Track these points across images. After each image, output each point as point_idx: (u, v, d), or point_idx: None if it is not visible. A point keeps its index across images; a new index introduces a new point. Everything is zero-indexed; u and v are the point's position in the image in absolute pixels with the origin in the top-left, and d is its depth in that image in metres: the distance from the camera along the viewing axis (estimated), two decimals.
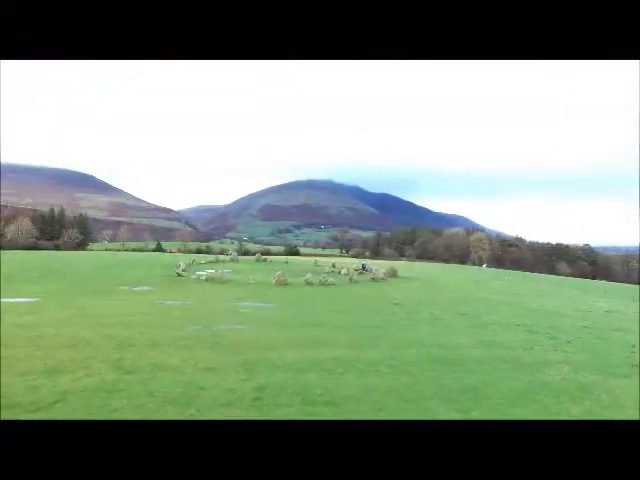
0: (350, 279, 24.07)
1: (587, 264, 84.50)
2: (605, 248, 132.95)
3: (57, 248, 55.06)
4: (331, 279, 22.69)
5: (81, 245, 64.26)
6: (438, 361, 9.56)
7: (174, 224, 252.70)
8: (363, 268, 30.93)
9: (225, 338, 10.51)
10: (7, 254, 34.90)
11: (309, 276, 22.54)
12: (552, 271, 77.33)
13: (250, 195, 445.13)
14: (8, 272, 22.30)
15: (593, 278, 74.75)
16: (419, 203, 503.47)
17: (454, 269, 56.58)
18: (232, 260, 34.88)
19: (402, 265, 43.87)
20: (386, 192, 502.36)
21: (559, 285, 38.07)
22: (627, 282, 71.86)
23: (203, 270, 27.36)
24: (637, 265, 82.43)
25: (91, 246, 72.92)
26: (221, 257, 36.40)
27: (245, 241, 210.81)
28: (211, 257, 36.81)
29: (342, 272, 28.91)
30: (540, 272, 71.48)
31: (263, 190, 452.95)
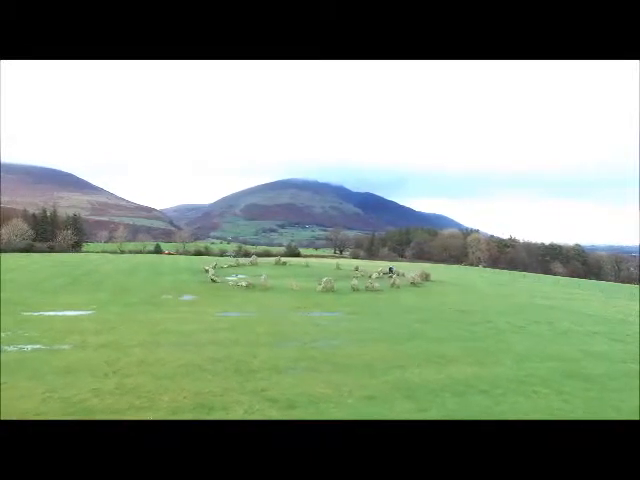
0: (392, 284, 23.43)
1: (580, 264, 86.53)
2: (593, 248, 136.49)
3: (51, 249, 52.54)
4: (377, 284, 22.00)
5: (76, 246, 61.61)
6: (577, 377, 9.23)
7: (157, 223, 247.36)
8: (390, 271, 30.37)
9: (339, 357, 9.77)
10: (11, 258, 32.81)
11: (355, 282, 21.79)
12: (547, 271, 78.72)
13: (234, 194, 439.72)
14: (33, 279, 20.76)
15: (585, 278, 76.39)
16: (402, 203, 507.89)
17: (465, 270, 56.89)
18: (252, 264, 33.75)
19: (412, 267, 43.59)
20: (370, 192, 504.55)
21: (579, 287, 38.50)
22: (618, 282, 73.99)
23: (234, 275, 26.29)
24: (627, 265, 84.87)
25: (86, 247, 69.92)
26: (241, 260, 35.20)
27: (230, 240, 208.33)
28: (231, 261, 35.50)
29: (372, 276, 28.26)
30: (535, 272, 72.71)
31: (247, 189, 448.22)
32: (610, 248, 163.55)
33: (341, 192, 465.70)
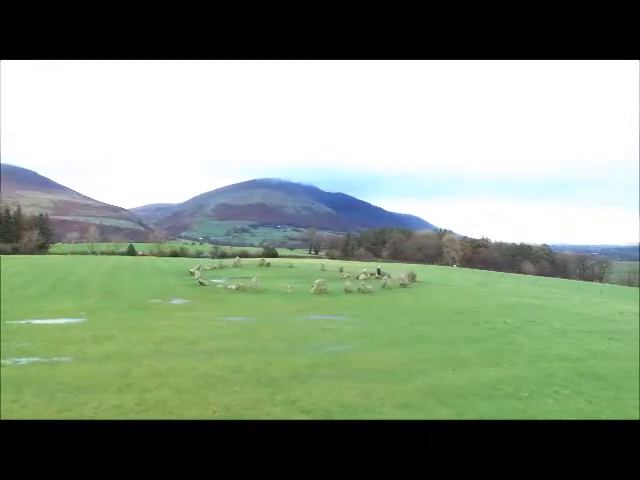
0: (383, 285, 23.48)
1: (548, 263, 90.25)
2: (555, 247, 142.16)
3: (16, 251, 49.72)
4: (369, 286, 21.98)
5: (43, 248, 58.41)
6: (590, 377, 9.40)
7: (125, 223, 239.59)
8: (378, 272, 30.45)
9: (357, 363, 9.60)
10: None
11: (348, 283, 21.68)
12: (518, 270, 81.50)
13: (204, 194, 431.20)
14: (10, 284, 19.39)
15: (553, 276, 79.52)
16: (374, 203, 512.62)
17: (443, 270, 57.92)
18: (236, 265, 33.07)
19: (392, 267, 44.05)
20: (342, 192, 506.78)
21: (556, 286, 39.86)
22: (582, 280, 77.57)
23: (222, 277, 25.64)
24: (591, 263, 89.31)
25: (53, 248, 66.32)
26: (224, 262, 34.39)
27: (202, 241, 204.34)
28: (214, 262, 34.60)
29: (360, 277, 28.29)
30: (507, 271, 75.09)
31: (218, 189, 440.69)
32: (567, 247, 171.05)
33: (313, 192, 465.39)
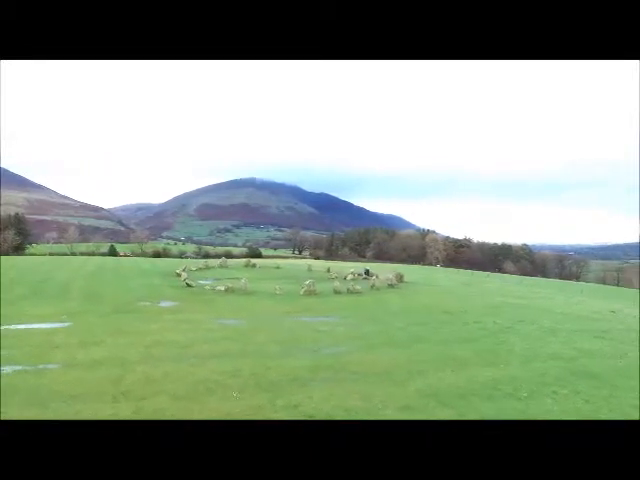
0: (372, 286, 23.50)
1: (528, 263, 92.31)
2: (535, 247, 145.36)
3: None
4: (358, 287, 21.95)
5: (19, 249, 56.37)
6: (583, 375, 9.53)
7: (105, 223, 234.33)
8: (366, 273, 30.49)
9: (355, 365, 9.51)
10: None
11: (337, 284, 21.61)
12: (499, 269, 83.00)
13: (186, 194, 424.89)
14: None
15: (533, 276, 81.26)
16: (356, 203, 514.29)
17: (427, 270, 58.50)
18: (221, 266, 32.60)
19: (378, 268, 44.23)
20: (325, 192, 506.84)
21: (543, 286, 40.73)
22: (561, 279, 79.56)
23: (209, 279, 25.23)
24: (568, 263, 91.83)
25: (31, 249, 64.05)
26: (210, 263, 33.84)
27: (184, 241, 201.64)
28: (199, 263, 33.98)
29: (348, 278, 28.29)
30: (489, 271, 76.40)
31: (200, 189, 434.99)
32: (546, 247, 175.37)
33: (296, 192, 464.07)
